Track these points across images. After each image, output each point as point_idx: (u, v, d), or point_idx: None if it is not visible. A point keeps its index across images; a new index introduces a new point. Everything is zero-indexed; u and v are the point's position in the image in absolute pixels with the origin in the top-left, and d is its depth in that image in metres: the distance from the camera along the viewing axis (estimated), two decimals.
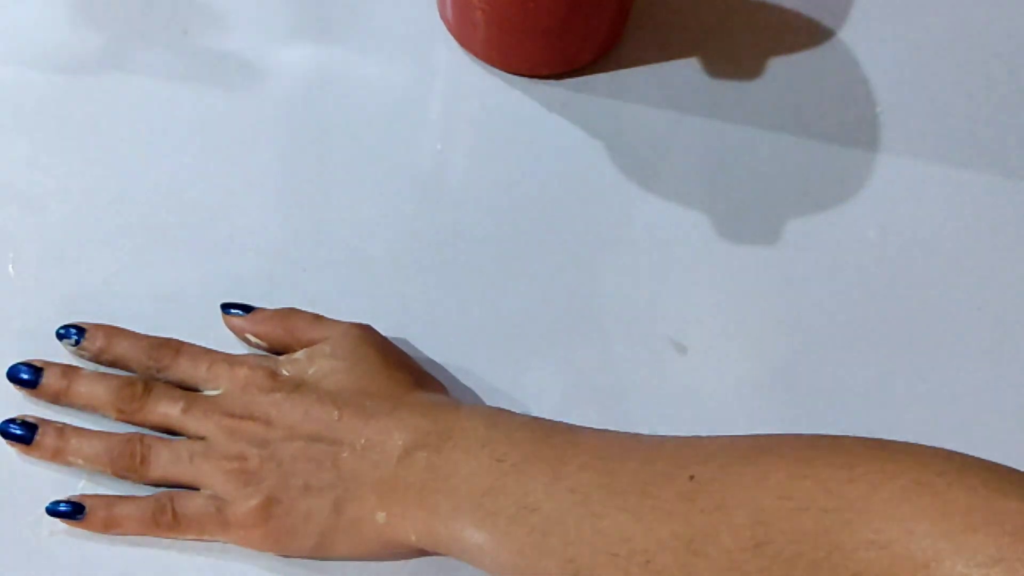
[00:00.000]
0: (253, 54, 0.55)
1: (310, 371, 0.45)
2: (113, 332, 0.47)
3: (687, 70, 0.57)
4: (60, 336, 0.46)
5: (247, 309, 0.47)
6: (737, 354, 0.50)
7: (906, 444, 0.35)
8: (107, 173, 0.52)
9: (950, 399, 0.49)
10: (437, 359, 0.49)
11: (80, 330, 0.46)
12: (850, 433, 0.39)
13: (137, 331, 0.47)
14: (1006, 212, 0.54)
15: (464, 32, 0.55)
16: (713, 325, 0.50)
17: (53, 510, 0.43)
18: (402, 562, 0.44)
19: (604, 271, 0.51)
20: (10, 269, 0.49)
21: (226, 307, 0.48)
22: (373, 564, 0.44)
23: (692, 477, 0.37)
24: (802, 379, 0.49)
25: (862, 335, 0.50)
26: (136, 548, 0.44)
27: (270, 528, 0.42)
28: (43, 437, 0.44)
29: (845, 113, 0.56)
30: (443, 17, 0.56)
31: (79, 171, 0.52)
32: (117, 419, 0.45)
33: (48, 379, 0.45)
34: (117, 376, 0.46)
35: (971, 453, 0.36)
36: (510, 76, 0.56)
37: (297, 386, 0.44)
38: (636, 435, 0.42)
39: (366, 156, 0.53)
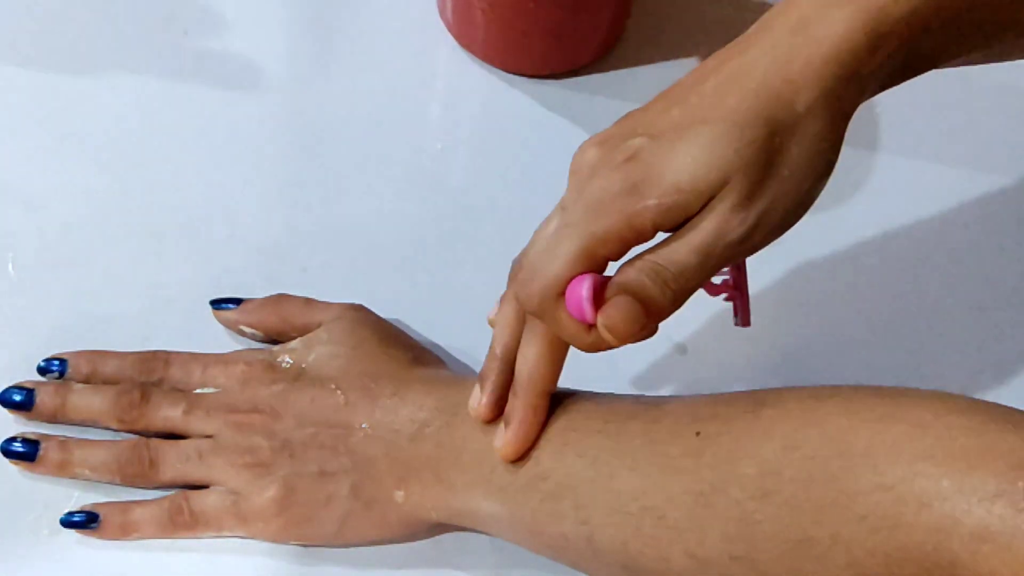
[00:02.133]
0: (253, 54, 0.55)
1: (309, 359, 0.45)
2: (96, 355, 0.46)
3: (687, 70, 0.56)
4: (42, 371, 0.46)
5: (237, 302, 0.47)
6: (737, 354, 0.50)
7: (905, 389, 0.36)
8: (107, 173, 0.52)
9: None
10: None
11: (61, 361, 0.46)
12: None
13: (136, 331, 0.47)
14: (1005, 212, 0.54)
15: (464, 32, 0.55)
16: (713, 325, 0.50)
17: (67, 521, 0.43)
18: (405, 554, 0.44)
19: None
20: (10, 269, 0.49)
21: (216, 303, 0.48)
22: (373, 553, 0.44)
23: (698, 433, 0.38)
24: (802, 379, 0.49)
25: (861, 334, 0.50)
26: (135, 546, 0.44)
27: (289, 517, 0.42)
28: (47, 452, 0.44)
29: None
30: (443, 17, 0.56)
31: (79, 171, 0.52)
32: (119, 429, 0.45)
33: (42, 398, 0.45)
34: (112, 386, 0.45)
35: None
36: (510, 76, 0.56)
37: (298, 376, 0.44)
38: (638, 397, 0.42)
39: (366, 155, 0.53)
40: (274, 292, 0.48)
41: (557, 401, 0.42)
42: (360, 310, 0.47)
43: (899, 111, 0.56)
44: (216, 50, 0.55)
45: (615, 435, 0.40)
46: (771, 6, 0.58)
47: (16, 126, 0.53)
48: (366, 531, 0.43)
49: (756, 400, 0.38)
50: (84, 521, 0.43)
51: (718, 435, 0.37)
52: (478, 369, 0.48)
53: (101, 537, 0.43)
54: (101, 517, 0.43)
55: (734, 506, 0.36)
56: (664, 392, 0.48)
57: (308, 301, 0.47)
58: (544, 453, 0.40)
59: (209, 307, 0.48)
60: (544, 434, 0.41)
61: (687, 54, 0.57)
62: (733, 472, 0.36)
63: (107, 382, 0.45)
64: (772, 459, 0.35)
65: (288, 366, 0.45)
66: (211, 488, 0.43)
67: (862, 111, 0.55)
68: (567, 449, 0.40)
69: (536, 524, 0.40)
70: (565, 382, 0.47)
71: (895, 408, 0.34)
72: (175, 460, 0.43)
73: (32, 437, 0.44)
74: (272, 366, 0.45)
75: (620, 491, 0.38)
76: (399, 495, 0.42)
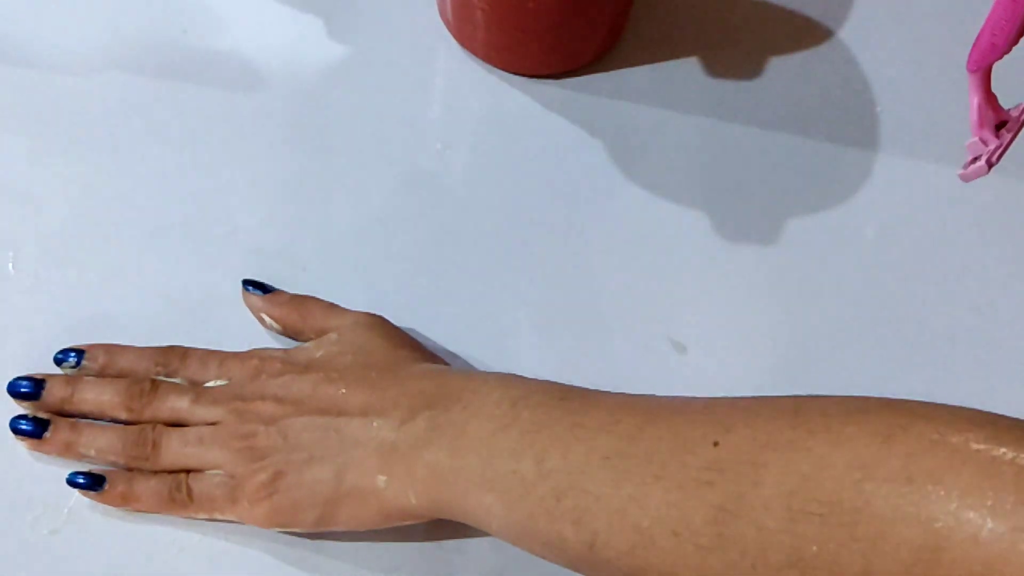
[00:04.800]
0: (253, 54, 0.55)
1: (317, 355, 0.45)
2: (114, 348, 0.47)
3: (687, 70, 0.57)
4: (58, 361, 0.46)
5: (266, 290, 0.48)
6: (737, 354, 0.50)
7: (937, 407, 0.34)
8: (107, 173, 0.52)
9: (950, 399, 0.49)
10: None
11: (78, 352, 0.46)
12: None
13: (136, 331, 0.47)
14: (1005, 212, 0.54)
15: (464, 32, 0.55)
16: (713, 325, 0.50)
17: (73, 481, 0.44)
18: (404, 555, 0.44)
19: (604, 270, 0.51)
20: (10, 268, 0.49)
21: (246, 284, 0.48)
22: (373, 554, 0.44)
23: (717, 444, 0.36)
24: (802, 379, 0.49)
25: (861, 335, 0.50)
26: (134, 548, 0.44)
27: (275, 502, 0.42)
28: (55, 432, 0.44)
29: (845, 113, 0.56)
30: (443, 17, 0.56)
31: (79, 171, 0.52)
32: (127, 418, 0.45)
33: (52, 388, 0.45)
34: (123, 379, 0.46)
35: None
36: (510, 76, 0.56)
37: (306, 368, 0.45)
38: (651, 397, 0.41)
39: (366, 155, 0.53)
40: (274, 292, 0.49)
41: (568, 393, 0.41)
42: (375, 317, 0.47)
43: (899, 111, 0.56)
44: (216, 49, 0.55)
45: (629, 438, 0.38)
46: (771, 6, 0.59)
47: (16, 126, 0.53)
48: (346, 517, 0.42)
49: (779, 408, 0.37)
50: (91, 483, 0.44)
51: (738, 446, 0.35)
52: (477, 366, 0.49)
53: (102, 502, 0.44)
54: (107, 481, 0.44)
55: (757, 529, 0.34)
56: (663, 391, 0.48)
57: (330, 306, 0.48)
58: (553, 446, 0.39)
59: (208, 307, 0.49)
60: (553, 427, 0.39)
61: (687, 54, 0.57)
62: (757, 492, 0.34)
63: (122, 374, 0.46)
64: (798, 479, 0.34)
65: (297, 361, 0.45)
66: (211, 471, 0.44)
67: (862, 111, 0.56)
68: (577, 446, 0.38)
69: (533, 522, 0.39)
70: (564, 382, 0.47)
71: (933, 431, 0.33)
72: (177, 444, 0.44)
73: (42, 416, 0.45)
74: (283, 361, 0.45)
75: (630, 499, 0.37)
76: (382, 480, 0.41)
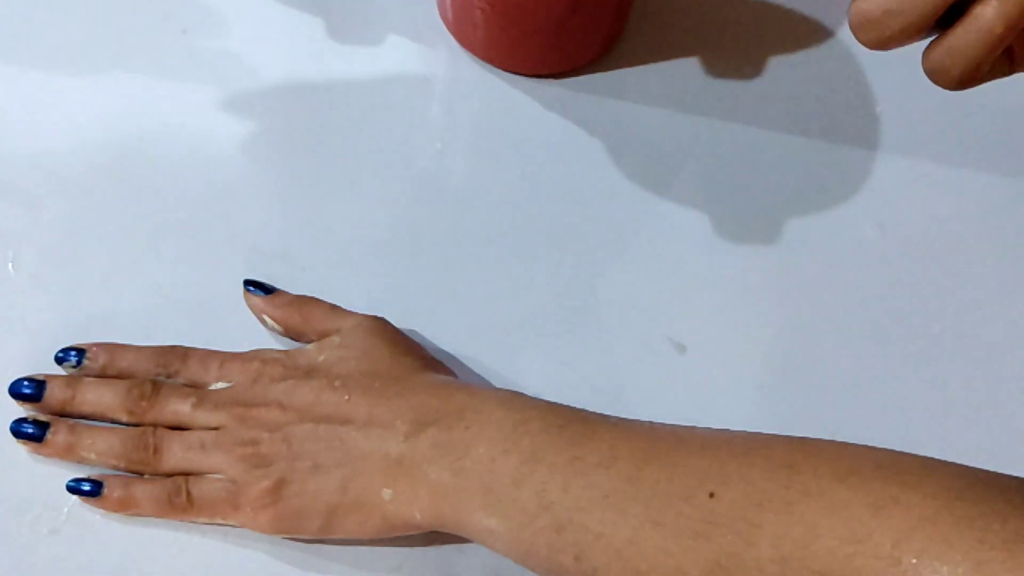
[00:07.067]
0: (253, 54, 0.55)
1: (319, 359, 0.45)
2: (115, 347, 0.47)
3: (687, 70, 0.56)
4: (59, 360, 0.46)
5: (267, 290, 0.48)
6: (737, 354, 0.50)
7: (928, 468, 0.34)
8: (107, 173, 0.52)
9: (949, 399, 0.49)
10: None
11: (79, 351, 0.46)
12: (850, 434, 0.39)
13: (137, 331, 0.47)
14: (1006, 212, 0.54)
15: (464, 32, 0.55)
16: (713, 325, 0.50)
17: (75, 488, 0.44)
18: (404, 557, 0.44)
19: (604, 270, 0.51)
20: (10, 268, 0.49)
21: (248, 284, 0.48)
22: (375, 557, 0.44)
23: (712, 495, 0.37)
24: (802, 379, 0.49)
25: (862, 335, 0.50)
26: (134, 548, 0.44)
27: (279, 509, 0.42)
28: (55, 435, 0.44)
29: (845, 113, 0.56)
30: (443, 17, 0.56)
31: (79, 171, 0.52)
32: (128, 421, 0.45)
33: (52, 390, 0.45)
34: (124, 381, 0.46)
35: (971, 453, 0.36)
36: (510, 76, 0.56)
37: (308, 373, 0.44)
38: (649, 429, 0.41)
39: (366, 155, 0.53)
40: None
41: (569, 420, 0.41)
42: (378, 321, 0.47)
43: (899, 111, 0.56)
44: (215, 49, 0.55)
45: (628, 477, 0.38)
46: (771, 6, 0.59)
47: (16, 126, 0.53)
48: (350, 527, 0.43)
49: (772, 463, 0.37)
50: (90, 490, 0.44)
51: (734, 501, 0.36)
52: (477, 367, 0.49)
53: (101, 507, 0.44)
54: (104, 487, 0.44)
55: None
56: (663, 391, 0.48)
57: (333, 308, 0.47)
58: (553, 477, 0.39)
59: (207, 308, 0.48)
60: (553, 456, 0.40)
61: (687, 54, 0.57)
62: (752, 553, 0.35)
63: (122, 374, 0.46)
64: (792, 545, 0.34)
65: (300, 365, 0.45)
66: (211, 476, 0.44)
67: (862, 111, 0.56)
68: (576, 480, 0.39)
69: (534, 548, 0.39)
70: (561, 383, 0.47)
71: (924, 504, 0.33)
72: (179, 448, 0.44)
73: (43, 419, 0.45)
74: (285, 365, 0.45)
75: (628, 542, 0.37)
76: (387, 493, 0.42)
